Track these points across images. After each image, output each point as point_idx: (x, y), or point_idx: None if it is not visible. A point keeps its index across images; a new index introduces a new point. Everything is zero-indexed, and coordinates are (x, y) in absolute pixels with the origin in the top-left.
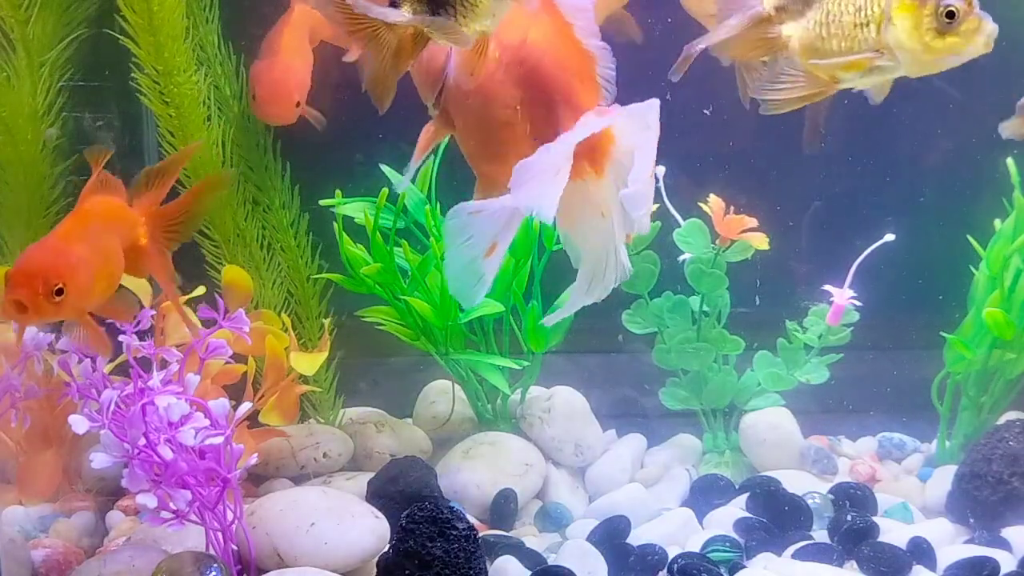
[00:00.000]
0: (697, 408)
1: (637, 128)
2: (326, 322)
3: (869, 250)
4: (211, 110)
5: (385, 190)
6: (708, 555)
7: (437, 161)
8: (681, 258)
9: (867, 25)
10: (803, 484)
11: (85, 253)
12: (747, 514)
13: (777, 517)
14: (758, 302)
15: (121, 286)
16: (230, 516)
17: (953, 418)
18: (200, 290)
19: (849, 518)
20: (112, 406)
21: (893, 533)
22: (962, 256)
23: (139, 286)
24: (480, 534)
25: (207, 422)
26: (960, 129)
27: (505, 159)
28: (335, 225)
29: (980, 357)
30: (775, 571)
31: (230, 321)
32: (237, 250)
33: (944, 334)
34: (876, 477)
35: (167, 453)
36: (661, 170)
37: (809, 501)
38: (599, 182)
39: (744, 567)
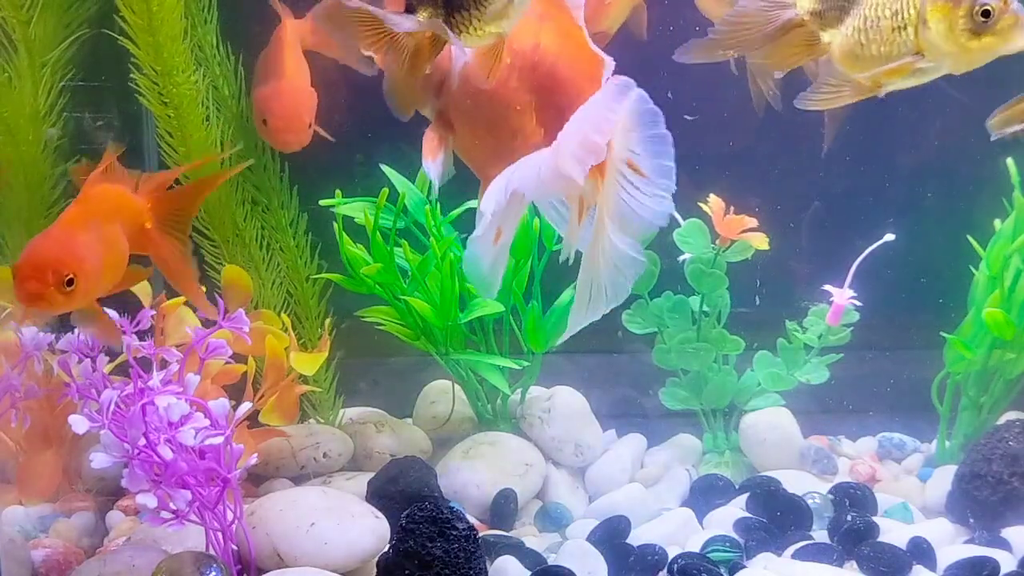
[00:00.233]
0: (697, 408)
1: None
2: (326, 322)
3: (869, 250)
4: (210, 110)
5: (385, 190)
6: (708, 555)
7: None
8: (681, 258)
9: (904, 28)
10: (803, 484)
11: (91, 241)
12: (747, 514)
13: (777, 517)
14: (758, 302)
15: (128, 263)
16: (230, 516)
17: (953, 418)
18: (200, 290)
19: (849, 518)
20: (112, 406)
21: (893, 533)
22: (962, 256)
23: (139, 286)
24: (480, 534)
25: (207, 422)
26: (960, 129)
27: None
28: (335, 225)
29: (980, 357)
30: (775, 571)
31: (230, 321)
32: (236, 250)
33: (944, 334)
34: (876, 477)
35: (167, 453)
36: None
37: (809, 501)
38: (600, 182)
39: (744, 567)
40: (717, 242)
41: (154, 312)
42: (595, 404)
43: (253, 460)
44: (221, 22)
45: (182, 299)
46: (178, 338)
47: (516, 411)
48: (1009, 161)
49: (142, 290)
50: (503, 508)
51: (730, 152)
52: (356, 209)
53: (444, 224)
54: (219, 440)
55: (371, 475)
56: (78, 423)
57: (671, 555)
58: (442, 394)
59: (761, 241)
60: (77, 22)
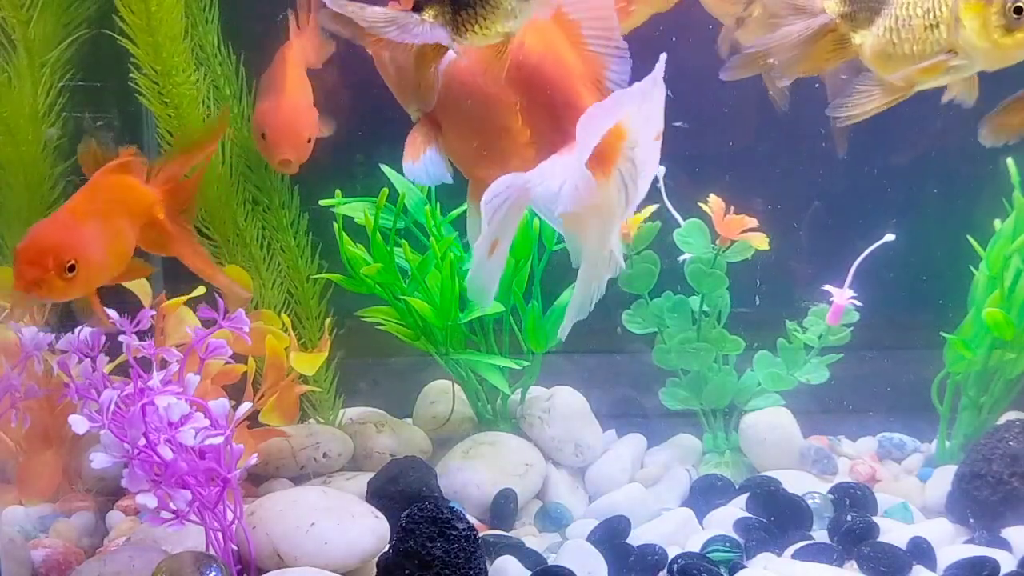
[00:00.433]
0: (697, 408)
1: (644, 110)
2: (327, 322)
3: (869, 250)
4: (210, 110)
5: (385, 190)
6: (708, 555)
7: None
8: (681, 258)
9: (937, 26)
10: (803, 484)
11: (96, 230)
12: (747, 514)
13: (777, 517)
14: (758, 302)
15: (133, 257)
16: (230, 516)
17: (953, 418)
18: (200, 290)
19: (849, 518)
20: (112, 406)
21: (893, 533)
22: (962, 256)
23: (139, 286)
24: (480, 534)
25: (207, 422)
26: (960, 129)
27: (503, 163)
28: (335, 225)
29: (980, 357)
30: (775, 571)
31: (230, 321)
32: (237, 250)
33: (944, 334)
34: (876, 477)
35: (167, 453)
36: (661, 170)
37: (809, 501)
38: (605, 183)
39: (744, 567)
40: (717, 242)
41: (154, 312)
42: (595, 404)
43: (253, 460)
44: (222, 22)
45: (182, 299)
46: (178, 338)
47: (516, 411)
48: (1009, 161)
49: (142, 290)
50: (503, 508)
51: (730, 152)
52: (356, 209)
53: (444, 224)
54: (219, 440)
55: (371, 475)
56: (78, 423)
57: (671, 555)
58: (442, 394)
59: (761, 241)
60: (77, 22)
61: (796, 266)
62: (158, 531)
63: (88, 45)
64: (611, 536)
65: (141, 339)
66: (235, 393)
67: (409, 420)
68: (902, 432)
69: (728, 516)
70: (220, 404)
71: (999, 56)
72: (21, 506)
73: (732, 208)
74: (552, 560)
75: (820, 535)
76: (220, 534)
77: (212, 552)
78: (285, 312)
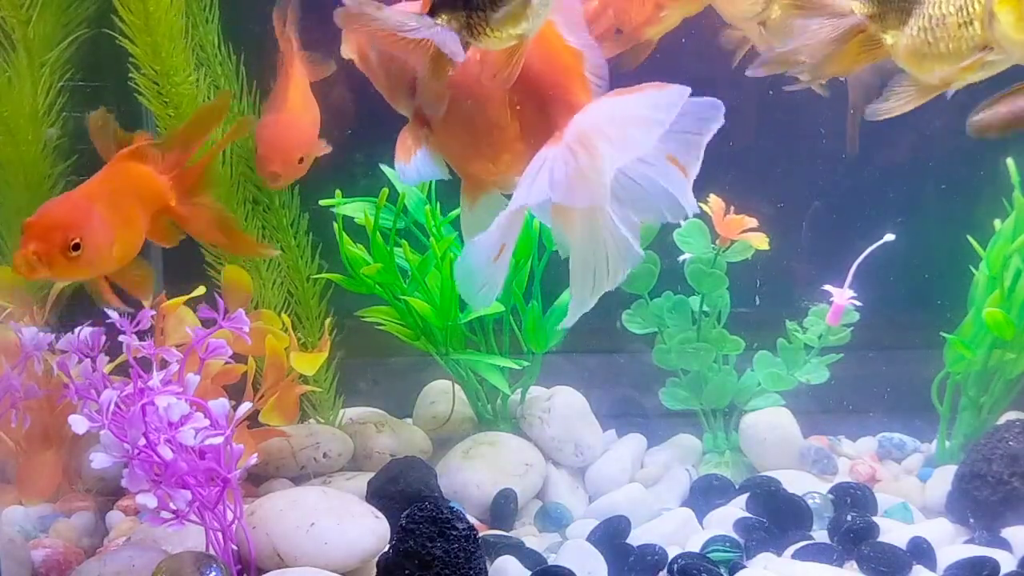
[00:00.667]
0: (697, 408)
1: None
2: (326, 322)
3: (869, 250)
4: None
5: (385, 190)
6: (708, 555)
7: None
8: (681, 258)
9: (971, 23)
10: (803, 484)
11: (105, 213)
12: (747, 514)
13: (777, 517)
14: (758, 302)
15: (138, 257)
16: (230, 516)
17: (953, 418)
18: (200, 290)
19: (849, 518)
20: (112, 406)
21: (893, 533)
22: (962, 256)
23: (140, 283)
24: (480, 534)
25: (207, 422)
26: (960, 129)
27: (494, 159)
28: (335, 225)
29: (980, 357)
30: (775, 571)
31: (230, 321)
32: None
33: (944, 334)
34: (876, 477)
35: (167, 453)
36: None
37: (809, 501)
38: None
39: (744, 567)
40: (717, 242)
41: (154, 312)
42: (595, 404)
43: (253, 460)
44: (222, 22)
45: (182, 299)
46: (178, 338)
47: (516, 411)
48: (1009, 161)
49: (142, 288)
50: (503, 508)
51: (730, 152)
52: (356, 209)
53: (444, 224)
54: (219, 440)
55: (371, 475)
56: (78, 423)
57: (671, 555)
58: (442, 394)
59: (761, 241)
60: (76, 22)
61: (796, 266)
62: (158, 531)
63: (88, 45)
64: (611, 536)
65: (141, 339)
66: (235, 393)
67: (409, 420)
68: (902, 432)
69: (728, 516)
70: (220, 404)
71: None
72: (21, 506)
73: (732, 208)
74: (552, 560)
75: (820, 535)
76: (220, 534)
77: (212, 552)
78: (285, 312)
